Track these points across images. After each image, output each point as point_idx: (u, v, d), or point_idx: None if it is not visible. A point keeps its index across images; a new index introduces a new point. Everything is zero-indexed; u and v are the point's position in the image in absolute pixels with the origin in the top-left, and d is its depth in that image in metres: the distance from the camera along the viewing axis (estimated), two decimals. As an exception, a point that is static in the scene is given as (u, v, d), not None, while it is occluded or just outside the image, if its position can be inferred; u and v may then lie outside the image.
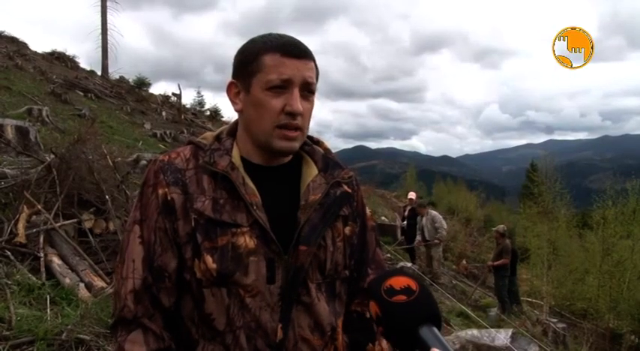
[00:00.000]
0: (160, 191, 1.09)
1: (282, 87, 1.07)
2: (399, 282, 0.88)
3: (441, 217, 10.61)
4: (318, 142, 1.26)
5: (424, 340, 0.82)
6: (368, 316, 1.24)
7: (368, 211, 1.32)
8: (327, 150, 1.25)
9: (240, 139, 1.17)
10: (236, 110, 1.15)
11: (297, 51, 1.09)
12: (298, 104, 1.07)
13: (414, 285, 0.88)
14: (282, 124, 1.08)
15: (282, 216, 1.11)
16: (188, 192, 1.09)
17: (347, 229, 1.19)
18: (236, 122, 1.20)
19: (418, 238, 10.60)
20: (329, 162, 1.21)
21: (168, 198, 1.08)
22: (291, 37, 1.12)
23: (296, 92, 1.08)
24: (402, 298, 0.86)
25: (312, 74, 1.10)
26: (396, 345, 0.87)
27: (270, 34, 1.13)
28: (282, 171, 1.17)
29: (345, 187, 1.20)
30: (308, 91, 1.11)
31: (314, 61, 1.13)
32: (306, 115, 1.12)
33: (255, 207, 1.07)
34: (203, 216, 1.06)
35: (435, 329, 0.84)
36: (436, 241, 10.23)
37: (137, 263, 1.08)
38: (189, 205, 1.07)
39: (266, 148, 1.12)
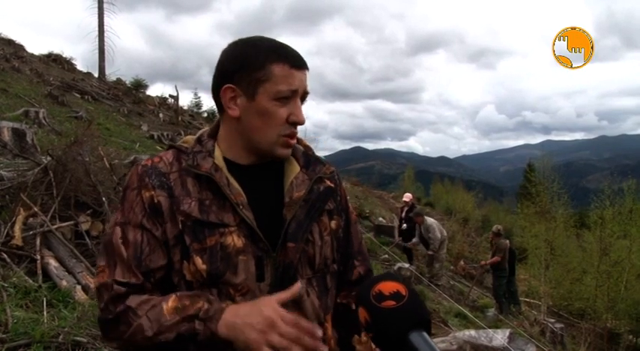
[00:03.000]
0: (147, 194, 1.10)
1: (288, 97, 1.10)
2: (388, 287, 0.88)
3: (436, 225, 10.52)
4: (298, 141, 1.26)
5: (414, 346, 0.82)
6: (354, 307, 1.26)
7: (350, 205, 1.34)
8: (307, 147, 1.27)
9: (223, 141, 1.18)
10: (232, 116, 1.13)
11: (302, 63, 1.13)
12: (303, 115, 1.12)
13: (403, 290, 0.87)
14: (287, 134, 1.12)
15: (268, 214, 1.12)
16: (174, 195, 1.09)
17: (333, 223, 1.21)
18: (217, 124, 1.21)
19: (415, 239, 10.68)
20: (310, 158, 1.23)
21: (155, 201, 1.09)
22: (293, 48, 1.15)
23: (298, 102, 1.12)
24: (392, 303, 0.85)
25: (307, 84, 1.15)
26: None
27: (269, 41, 1.13)
28: (265, 169, 1.19)
29: (328, 182, 1.23)
30: (304, 99, 1.16)
31: None
32: None
33: (241, 206, 1.08)
34: (190, 217, 1.07)
35: (425, 334, 0.83)
36: (429, 252, 10.35)
37: (120, 265, 1.08)
38: (175, 208, 1.08)
39: (266, 154, 1.15)
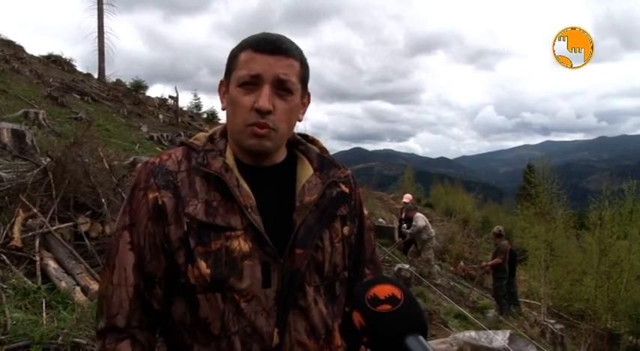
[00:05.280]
0: (151, 195, 1.07)
1: (253, 83, 1.05)
2: (383, 290, 0.86)
3: (421, 217, 10.94)
4: (313, 141, 1.23)
5: (411, 350, 0.81)
6: None
7: (365, 210, 1.29)
8: (322, 149, 1.22)
9: (230, 140, 1.15)
10: (222, 109, 1.14)
11: (270, 47, 1.05)
12: (265, 101, 1.03)
13: (398, 293, 0.85)
14: (252, 123, 1.05)
15: (277, 218, 1.08)
16: (180, 195, 1.06)
17: (345, 229, 1.16)
18: None
19: (409, 230, 11.01)
20: (324, 161, 1.18)
21: (159, 202, 1.06)
22: (273, 35, 1.09)
23: (265, 89, 1.04)
24: (387, 307, 0.84)
25: (287, 71, 1.06)
26: None
27: (256, 33, 1.11)
28: (277, 171, 1.14)
29: (342, 187, 1.18)
30: (283, 89, 1.06)
31: (295, 58, 1.08)
32: (281, 114, 1.07)
33: (249, 209, 1.04)
34: (195, 220, 1.03)
35: (422, 338, 0.82)
36: (402, 240, 11.10)
37: (129, 270, 1.06)
38: (180, 209, 1.04)
39: (241, 146, 1.10)
